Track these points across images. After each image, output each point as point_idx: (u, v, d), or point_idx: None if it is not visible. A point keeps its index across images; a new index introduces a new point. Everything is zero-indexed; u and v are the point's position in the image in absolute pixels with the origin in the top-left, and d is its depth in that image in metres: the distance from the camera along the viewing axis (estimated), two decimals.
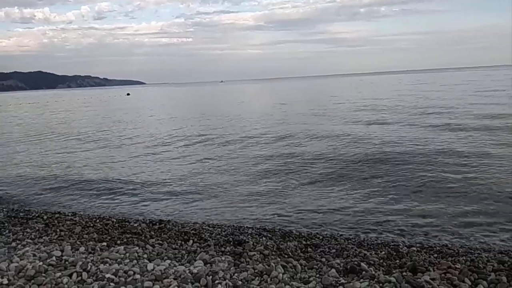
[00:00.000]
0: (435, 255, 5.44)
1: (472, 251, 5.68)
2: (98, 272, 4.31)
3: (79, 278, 4.20)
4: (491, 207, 7.51)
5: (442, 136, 15.19)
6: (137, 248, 5.27)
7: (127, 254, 4.95)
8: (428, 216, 7.27)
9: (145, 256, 4.96)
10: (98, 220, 7.34)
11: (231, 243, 5.81)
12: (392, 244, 6.08)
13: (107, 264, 4.56)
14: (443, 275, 4.29)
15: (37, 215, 7.79)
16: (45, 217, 7.55)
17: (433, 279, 4.08)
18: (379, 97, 39.77)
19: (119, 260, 4.73)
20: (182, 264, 4.67)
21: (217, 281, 4.09)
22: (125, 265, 4.55)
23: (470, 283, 4.10)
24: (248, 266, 4.61)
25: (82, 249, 5.21)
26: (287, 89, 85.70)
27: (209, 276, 4.19)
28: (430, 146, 13.37)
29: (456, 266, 4.65)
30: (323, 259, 5.09)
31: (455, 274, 4.31)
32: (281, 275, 4.30)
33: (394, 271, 4.48)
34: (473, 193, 8.33)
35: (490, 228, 6.65)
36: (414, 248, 5.78)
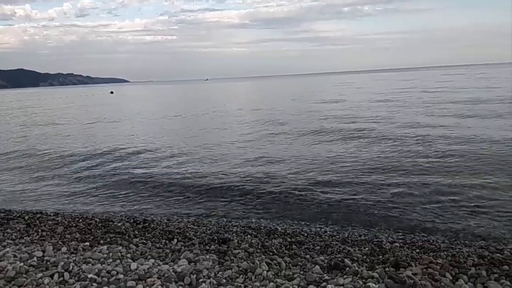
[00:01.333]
0: (417, 251, 5.52)
1: (454, 246, 5.78)
2: (81, 272, 4.26)
3: (61, 278, 4.14)
4: (472, 203, 7.65)
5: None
6: (120, 247, 5.22)
7: (110, 254, 4.90)
8: (410, 212, 7.37)
9: (129, 255, 4.92)
10: (81, 220, 7.24)
11: (216, 242, 5.79)
12: (376, 240, 6.15)
13: (90, 264, 4.50)
14: (424, 270, 4.36)
15: (18, 215, 7.64)
16: (26, 217, 7.41)
17: (415, 274, 4.14)
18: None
19: (102, 260, 4.68)
20: (166, 263, 4.64)
21: (201, 280, 4.08)
22: (108, 265, 4.50)
23: (451, 277, 4.17)
24: (232, 264, 4.61)
25: (64, 249, 5.14)
26: (272, 88, 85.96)
27: (193, 274, 4.18)
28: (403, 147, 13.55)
29: (437, 261, 4.72)
30: (308, 256, 5.12)
31: (437, 269, 4.37)
32: (265, 272, 4.32)
33: (377, 267, 4.53)
34: (454, 189, 8.47)
35: (472, 223, 6.78)
36: (397, 244, 5.85)
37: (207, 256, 4.87)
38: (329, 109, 27.93)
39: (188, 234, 6.24)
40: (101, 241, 5.69)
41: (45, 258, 4.75)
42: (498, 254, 5.23)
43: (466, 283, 4.01)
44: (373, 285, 3.87)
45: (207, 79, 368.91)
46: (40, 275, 4.21)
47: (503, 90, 34.16)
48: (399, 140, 14.45)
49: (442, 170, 10.00)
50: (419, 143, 13.67)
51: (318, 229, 6.88)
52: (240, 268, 4.44)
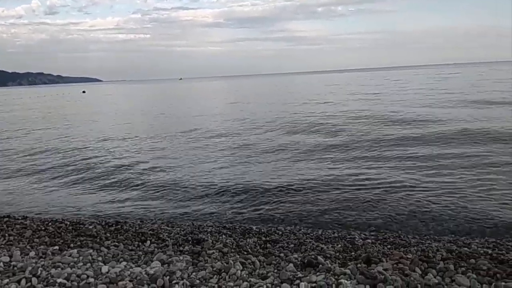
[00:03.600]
0: (389, 246, 5.63)
1: (423, 241, 5.92)
2: (49, 277, 4.14)
3: (28, 284, 4.02)
4: (441, 198, 7.86)
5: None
6: (91, 250, 5.10)
7: (81, 257, 4.78)
8: (382, 209, 7.51)
9: (100, 258, 4.81)
10: (50, 223, 7.06)
11: (190, 242, 5.75)
12: (349, 237, 6.24)
13: (59, 269, 4.38)
14: (395, 265, 4.44)
15: None
16: None
17: (385, 269, 4.21)
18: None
19: (72, 264, 4.57)
20: (139, 266, 4.57)
21: (174, 281, 4.03)
22: (78, 268, 4.40)
23: (420, 272, 4.27)
24: (206, 264, 4.58)
25: (32, 253, 4.99)
26: (244, 88, 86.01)
27: (166, 276, 4.13)
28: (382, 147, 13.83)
29: (407, 256, 4.82)
30: (282, 254, 5.14)
31: (407, 264, 4.47)
32: (239, 272, 4.30)
33: (349, 263, 4.59)
34: (423, 186, 8.69)
35: (441, 218, 6.97)
36: (369, 240, 5.95)
37: (181, 257, 4.82)
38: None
39: (161, 236, 6.17)
40: (71, 245, 5.55)
41: (12, 263, 4.59)
42: (466, 248, 5.40)
43: (435, 277, 4.11)
44: (345, 281, 3.91)
45: (180, 79, 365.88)
46: (6, 281, 4.06)
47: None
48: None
49: (410, 166, 10.24)
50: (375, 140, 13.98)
51: (293, 227, 6.92)
52: (214, 269, 4.42)
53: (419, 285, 3.86)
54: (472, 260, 4.69)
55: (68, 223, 7.13)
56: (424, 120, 18.14)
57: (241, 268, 4.44)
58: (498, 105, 22.25)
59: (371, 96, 35.20)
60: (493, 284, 3.90)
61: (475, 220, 6.82)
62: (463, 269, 4.36)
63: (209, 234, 6.37)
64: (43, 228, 6.64)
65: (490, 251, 5.25)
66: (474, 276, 4.11)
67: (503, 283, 3.89)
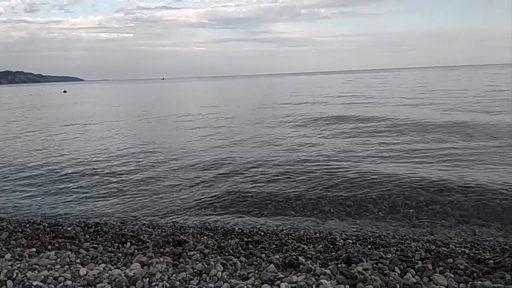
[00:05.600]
0: (369, 246, 5.67)
1: (403, 241, 5.98)
2: (25, 280, 4.06)
3: (4, 287, 3.93)
4: (420, 199, 7.97)
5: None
6: (69, 252, 5.02)
7: (58, 260, 4.70)
8: (363, 209, 7.58)
9: (78, 260, 4.74)
10: (28, 225, 6.92)
11: (171, 244, 5.70)
12: (330, 237, 6.27)
13: (36, 271, 4.30)
14: (375, 265, 4.49)
15: None
16: None
17: (365, 269, 4.26)
18: None
19: (49, 266, 4.48)
20: (118, 268, 4.51)
21: (154, 283, 3.99)
22: (55, 271, 4.32)
23: (399, 271, 4.32)
24: (187, 266, 4.55)
25: (8, 256, 4.89)
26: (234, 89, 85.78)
27: (145, 278, 4.09)
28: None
29: (387, 256, 4.88)
30: (263, 255, 5.13)
31: (386, 264, 4.52)
32: (220, 273, 4.29)
33: (330, 264, 4.62)
34: (401, 187, 8.79)
35: (421, 219, 7.07)
36: (350, 241, 5.99)
37: (161, 259, 4.77)
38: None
39: (142, 237, 6.10)
40: (49, 247, 5.45)
41: None
42: (444, 248, 5.48)
43: (413, 276, 4.17)
44: (326, 281, 3.93)
45: (163, 79, 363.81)
46: None
47: None
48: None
49: (387, 167, 10.37)
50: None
51: (275, 228, 6.92)
52: (195, 270, 4.39)
53: (398, 285, 3.90)
54: (450, 260, 4.77)
55: (46, 224, 6.99)
56: None
57: (222, 269, 4.44)
58: None
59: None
60: (470, 283, 3.98)
61: (453, 219, 6.94)
62: (441, 268, 4.44)
63: (190, 235, 6.32)
64: (20, 230, 6.50)
65: (467, 251, 5.35)
66: (452, 275, 4.18)
67: (479, 282, 3.96)
